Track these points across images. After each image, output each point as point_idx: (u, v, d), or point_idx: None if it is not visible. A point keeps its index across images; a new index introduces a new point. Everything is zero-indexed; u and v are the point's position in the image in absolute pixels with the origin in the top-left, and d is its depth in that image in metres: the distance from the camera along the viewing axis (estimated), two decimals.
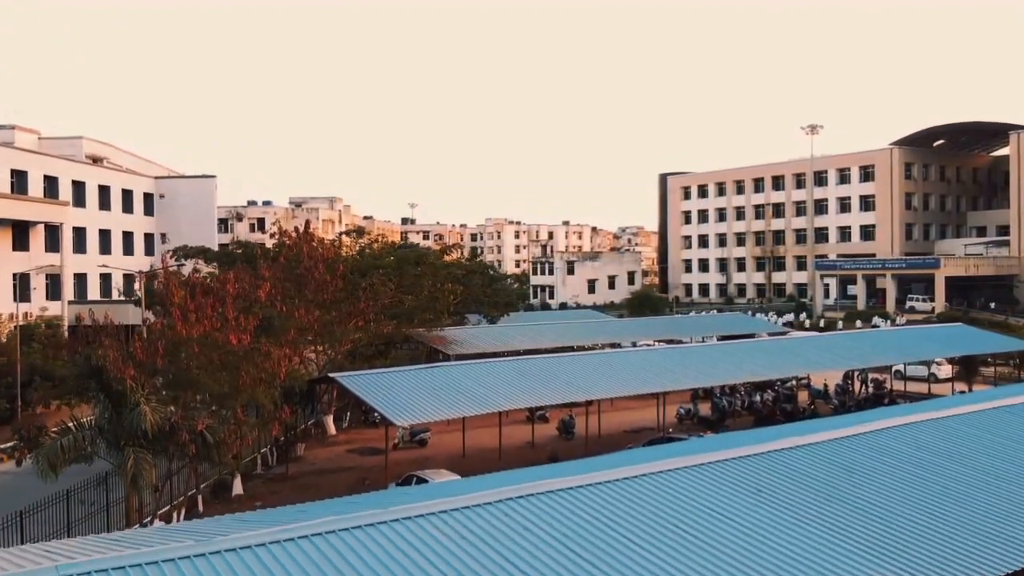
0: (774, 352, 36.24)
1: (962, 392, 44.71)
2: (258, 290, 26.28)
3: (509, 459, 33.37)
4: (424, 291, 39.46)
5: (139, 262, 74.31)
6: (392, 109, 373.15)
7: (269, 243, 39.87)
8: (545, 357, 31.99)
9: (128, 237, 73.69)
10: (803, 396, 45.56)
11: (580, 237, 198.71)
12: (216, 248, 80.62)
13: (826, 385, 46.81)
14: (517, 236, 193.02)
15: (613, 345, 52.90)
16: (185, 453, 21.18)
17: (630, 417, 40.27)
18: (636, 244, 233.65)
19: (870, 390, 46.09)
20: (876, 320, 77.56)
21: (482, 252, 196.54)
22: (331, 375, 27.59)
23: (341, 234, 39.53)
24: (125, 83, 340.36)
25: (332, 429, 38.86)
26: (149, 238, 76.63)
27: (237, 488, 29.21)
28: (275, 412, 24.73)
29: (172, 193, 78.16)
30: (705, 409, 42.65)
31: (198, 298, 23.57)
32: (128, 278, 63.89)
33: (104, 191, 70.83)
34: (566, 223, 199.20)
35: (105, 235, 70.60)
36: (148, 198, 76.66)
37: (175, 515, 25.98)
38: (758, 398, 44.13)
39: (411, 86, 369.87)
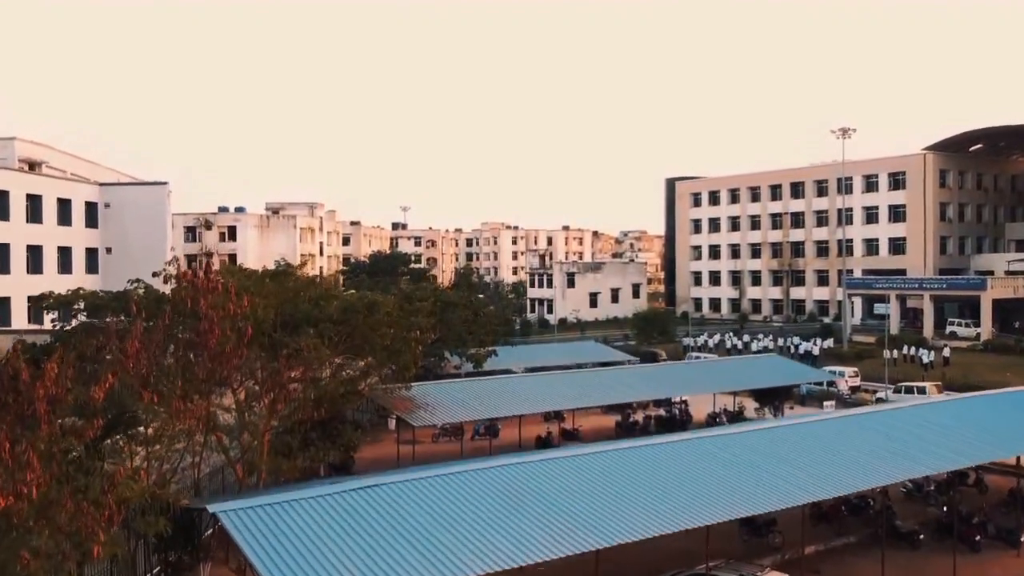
0: (866, 445, 25.76)
1: None
2: (99, 383, 16.96)
3: None
4: (385, 342, 30.18)
5: (78, 281, 65.07)
6: (385, 108, 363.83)
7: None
8: (541, 460, 22.50)
9: (65, 253, 64.23)
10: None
11: (580, 243, 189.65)
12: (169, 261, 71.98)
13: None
14: (514, 242, 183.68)
15: (623, 410, 43.66)
16: None
17: (655, 543, 29.56)
18: (639, 249, 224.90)
19: (979, 478, 34.22)
20: (921, 352, 67.83)
21: (478, 258, 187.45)
22: (209, 507, 18.38)
23: (265, 277, 29.85)
24: (102, 82, 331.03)
25: None
26: (92, 253, 67.24)
27: None
28: None
29: (119, 202, 68.72)
30: None
31: None
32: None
33: (35, 201, 61.26)
34: (566, 228, 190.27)
35: (35, 252, 61.13)
36: (91, 208, 67.18)
37: None
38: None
39: (405, 84, 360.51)
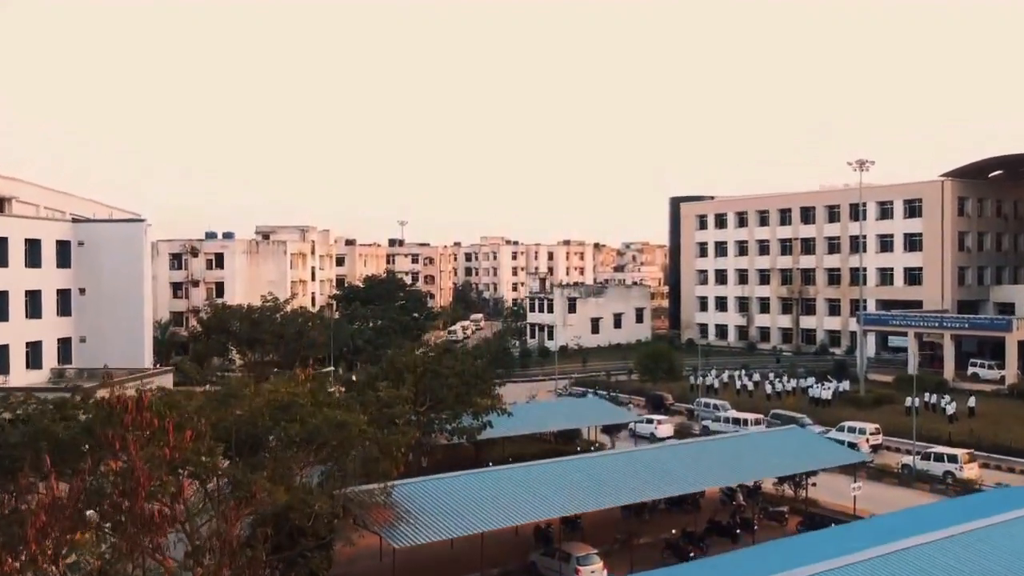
0: None
1: None
2: None
3: None
4: (358, 449, 26.40)
5: (49, 325, 61.25)
6: (384, 120, 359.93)
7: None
8: None
9: (34, 297, 60.21)
10: None
11: (581, 258, 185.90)
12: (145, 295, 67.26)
13: None
14: (514, 257, 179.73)
15: (633, 513, 39.38)
16: None
17: None
18: (641, 262, 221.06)
19: None
20: (944, 402, 63.66)
21: (476, 273, 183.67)
22: None
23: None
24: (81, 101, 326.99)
25: None
26: (64, 295, 63.21)
27: None
28: None
29: (94, 239, 64.54)
30: None
31: None
32: None
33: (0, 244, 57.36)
34: (566, 242, 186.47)
35: (0, 297, 57.19)
36: (63, 247, 63.00)
37: None
38: None
39: (404, 95, 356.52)
